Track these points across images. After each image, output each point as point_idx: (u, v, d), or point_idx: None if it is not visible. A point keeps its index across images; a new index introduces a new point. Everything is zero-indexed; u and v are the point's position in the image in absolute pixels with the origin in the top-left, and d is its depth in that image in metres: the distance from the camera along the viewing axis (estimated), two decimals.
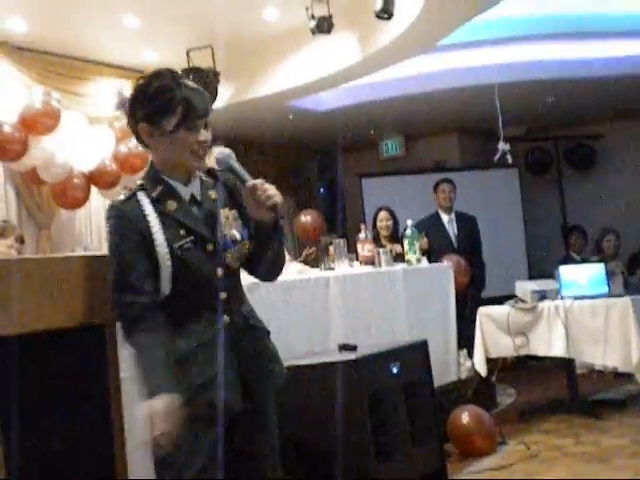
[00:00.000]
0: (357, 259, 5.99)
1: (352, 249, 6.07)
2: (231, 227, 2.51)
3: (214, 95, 8.19)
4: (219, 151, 2.50)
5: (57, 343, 2.44)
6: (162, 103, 2.39)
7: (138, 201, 2.40)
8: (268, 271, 2.66)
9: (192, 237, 2.41)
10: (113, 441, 2.59)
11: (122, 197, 2.42)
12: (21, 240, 5.40)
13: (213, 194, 2.53)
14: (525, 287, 6.33)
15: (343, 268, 5.47)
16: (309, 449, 3.67)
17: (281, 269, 2.71)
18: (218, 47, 8.09)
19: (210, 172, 2.57)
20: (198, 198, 2.50)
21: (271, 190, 2.42)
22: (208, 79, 8.08)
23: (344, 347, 3.93)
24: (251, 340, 2.59)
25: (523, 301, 6.24)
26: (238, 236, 2.52)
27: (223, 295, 2.47)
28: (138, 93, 2.45)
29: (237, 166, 2.49)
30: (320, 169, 12.34)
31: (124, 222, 2.37)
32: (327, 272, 5.27)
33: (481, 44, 8.69)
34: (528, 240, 11.30)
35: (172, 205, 2.42)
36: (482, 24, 7.82)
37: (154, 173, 2.47)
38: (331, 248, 7.18)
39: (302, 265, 5.64)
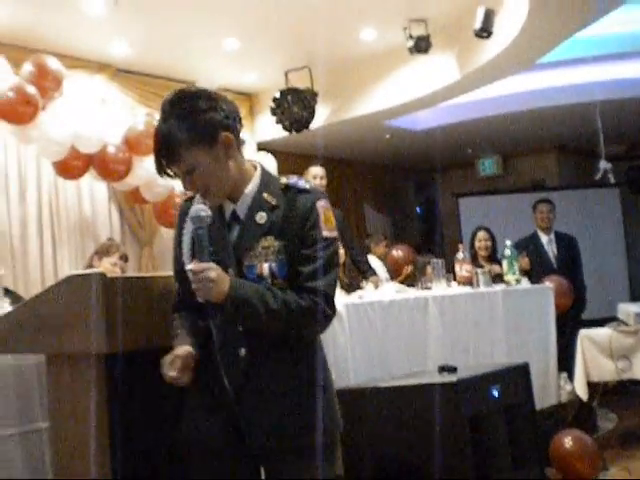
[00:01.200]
0: (455, 279, 5.94)
1: (449, 269, 6.02)
2: (266, 259, 2.26)
3: (312, 115, 8.27)
4: (196, 209, 2.25)
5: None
6: (240, 122, 2.35)
7: (192, 203, 2.36)
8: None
9: (215, 257, 2.21)
10: None
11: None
12: (125, 258, 5.51)
13: (263, 217, 2.31)
14: (628, 309, 6.18)
15: (441, 288, 5.43)
16: (406, 471, 3.63)
17: (307, 324, 2.31)
18: (316, 68, 8.18)
19: (286, 188, 2.34)
20: (241, 217, 2.33)
21: (199, 282, 2.15)
22: (306, 99, 8.17)
23: (444, 369, 3.88)
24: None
25: (626, 324, 6.09)
26: (266, 271, 2.25)
27: (239, 328, 2.29)
28: (229, 105, 2.31)
29: (201, 233, 2.21)
30: (417, 188, 12.31)
31: (179, 218, 2.43)
32: (426, 292, 5.24)
33: (582, 61, 8.56)
34: (630, 261, 11.04)
35: (210, 219, 2.24)
36: (583, 41, 7.70)
37: None
38: (428, 268, 7.15)
39: (400, 285, 5.63)
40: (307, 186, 2.34)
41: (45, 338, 2.51)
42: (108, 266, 5.23)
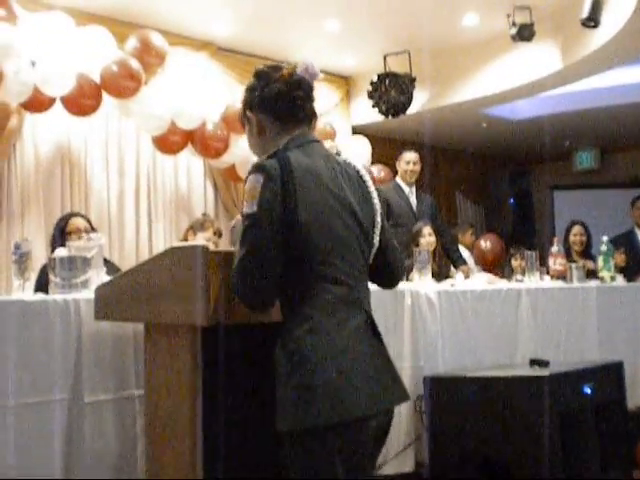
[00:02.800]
0: (547, 273, 5.84)
1: (542, 262, 5.92)
2: None
3: (409, 100, 8.22)
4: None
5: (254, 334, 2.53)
6: (286, 104, 2.42)
7: None
8: None
9: None
10: None
11: None
12: (219, 234, 5.57)
13: None
14: None
15: (533, 281, 5.35)
16: (492, 464, 3.60)
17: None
18: (415, 52, 8.12)
19: None
20: None
21: None
22: (404, 84, 8.12)
23: (535, 362, 3.83)
24: None
25: None
26: None
27: None
28: (276, 87, 2.44)
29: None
30: (511, 179, 12.13)
31: None
32: (519, 284, 5.16)
33: None
34: None
35: None
36: None
37: None
38: (513, 261, 7.07)
39: (491, 275, 5.57)
40: (254, 161, 2.36)
41: (145, 307, 2.55)
42: (202, 241, 5.29)
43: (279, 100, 2.40)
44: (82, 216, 4.94)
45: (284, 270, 2.21)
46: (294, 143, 2.35)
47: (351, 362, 2.20)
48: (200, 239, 5.36)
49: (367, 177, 2.44)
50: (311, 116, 2.45)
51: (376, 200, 2.41)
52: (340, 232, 2.27)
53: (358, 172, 2.43)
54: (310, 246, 2.20)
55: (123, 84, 6.28)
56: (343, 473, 2.17)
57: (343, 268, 2.26)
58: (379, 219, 2.41)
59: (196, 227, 5.57)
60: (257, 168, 2.24)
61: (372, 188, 2.42)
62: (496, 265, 7.82)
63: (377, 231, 2.40)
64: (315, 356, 2.16)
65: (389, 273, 2.53)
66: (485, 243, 8.29)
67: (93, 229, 4.70)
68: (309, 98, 2.44)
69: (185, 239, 5.57)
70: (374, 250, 2.39)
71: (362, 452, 2.26)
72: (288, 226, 2.18)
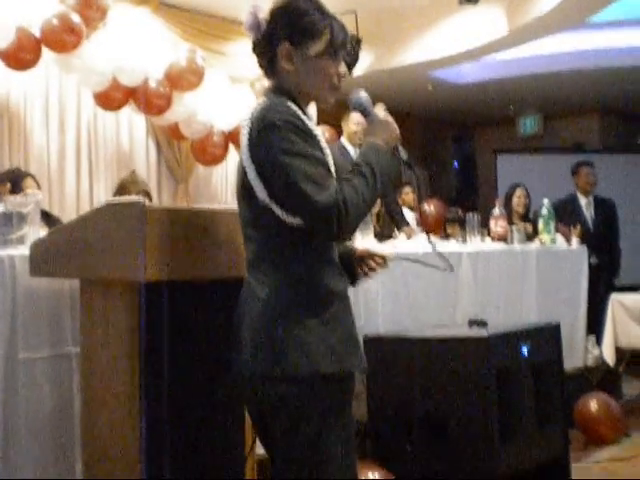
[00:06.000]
0: (489, 235, 5.89)
1: (484, 224, 5.97)
2: None
3: (355, 61, 8.17)
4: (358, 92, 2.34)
5: (200, 294, 2.50)
6: (311, 24, 2.19)
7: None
8: None
9: None
10: None
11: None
12: (147, 195, 5.33)
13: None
14: None
15: (475, 244, 5.39)
16: (430, 422, 3.64)
17: None
18: (362, 13, 8.05)
19: None
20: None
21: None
22: (350, 45, 8.06)
23: (474, 323, 3.87)
24: None
25: None
26: None
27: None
28: (282, 10, 2.21)
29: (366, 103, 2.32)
30: (455, 143, 12.20)
31: None
32: (460, 247, 5.20)
33: (632, 24, 8.38)
34: None
35: None
36: (635, 3, 7.54)
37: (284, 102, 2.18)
38: (448, 228, 7.11)
39: (433, 237, 5.60)
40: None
41: (80, 263, 2.51)
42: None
43: None
44: (32, 177, 4.84)
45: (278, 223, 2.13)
46: None
47: (350, 318, 2.21)
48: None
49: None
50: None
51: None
52: None
53: None
54: None
55: (64, 38, 6.12)
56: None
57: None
58: None
59: (121, 190, 5.37)
60: None
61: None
62: (439, 229, 7.85)
63: None
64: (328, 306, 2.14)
65: None
66: (429, 207, 8.31)
67: (39, 189, 4.62)
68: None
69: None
70: None
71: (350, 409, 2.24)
72: None
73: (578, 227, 6.47)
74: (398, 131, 2.28)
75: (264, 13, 2.19)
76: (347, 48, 2.28)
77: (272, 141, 2.07)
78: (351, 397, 2.21)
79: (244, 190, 2.16)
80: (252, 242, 2.19)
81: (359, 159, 2.17)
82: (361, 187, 2.09)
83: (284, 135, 2.07)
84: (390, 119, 2.28)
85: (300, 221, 2.09)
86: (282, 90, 2.22)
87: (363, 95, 2.33)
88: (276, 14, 2.21)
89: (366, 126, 2.31)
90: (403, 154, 2.32)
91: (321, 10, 2.23)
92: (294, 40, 2.19)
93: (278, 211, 2.10)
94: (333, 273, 2.19)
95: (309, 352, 2.07)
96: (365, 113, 2.32)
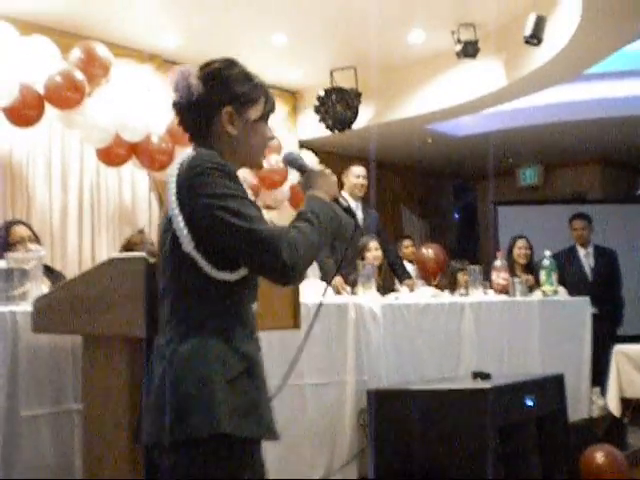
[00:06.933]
0: (491, 287, 5.90)
1: (485, 276, 5.97)
2: None
3: (355, 115, 8.26)
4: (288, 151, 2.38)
5: None
6: (251, 89, 2.22)
7: None
8: None
9: None
10: None
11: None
12: (153, 255, 5.31)
13: None
14: None
15: (477, 295, 5.39)
16: (434, 476, 3.61)
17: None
18: (362, 68, 8.16)
19: None
20: None
21: None
22: (350, 99, 8.16)
23: (478, 375, 3.86)
24: None
25: None
26: None
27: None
28: (220, 76, 2.21)
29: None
30: (456, 194, 12.26)
31: None
32: (462, 298, 5.20)
33: (630, 74, 8.47)
34: None
35: None
36: (632, 54, 7.63)
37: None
38: (460, 275, 7.10)
39: (435, 289, 5.60)
40: None
41: (83, 319, 2.51)
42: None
43: None
44: (23, 223, 4.82)
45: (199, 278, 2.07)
46: None
47: (258, 382, 2.14)
48: None
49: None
50: None
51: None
52: None
53: None
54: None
55: (67, 95, 6.20)
56: None
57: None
58: None
59: (128, 248, 5.37)
60: None
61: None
62: (438, 274, 7.85)
63: None
64: (241, 367, 2.07)
65: None
66: (427, 251, 8.32)
67: (36, 237, 4.61)
68: None
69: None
70: None
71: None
72: None
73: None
74: (336, 181, 2.29)
75: (194, 77, 2.18)
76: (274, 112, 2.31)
77: (204, 188, 2.04)
78: (254, 464, 2.12)
79: (167, 242, 2.12)
80: (166, 297, 2.13)
81: (301, 209, 2.16)
82: (307, 230, 2.07)
83: (215, 180, 2.05)
84: (328, 171, 2.29)
85: (225, 275, 2.06)
86: (214, 150, 2.19)
87: (295, 152, 2.39)
88: (213, 79, 2.21)
89: (302, 181, 2.29)
90: (344, 202, 2.30)
91: (253, 75, 2.27)
92: (236, 105, 2.20)
93: (203, 263, 2.04)
94: (245, 334, 2.12)
95: (213, 414, 1.99)
96: (301, 168, 2.32)
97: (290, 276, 2.05)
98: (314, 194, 2.21)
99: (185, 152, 2.16)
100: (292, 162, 2.37)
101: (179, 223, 2.06)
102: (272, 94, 2.31)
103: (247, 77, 2.24)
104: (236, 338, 2.08)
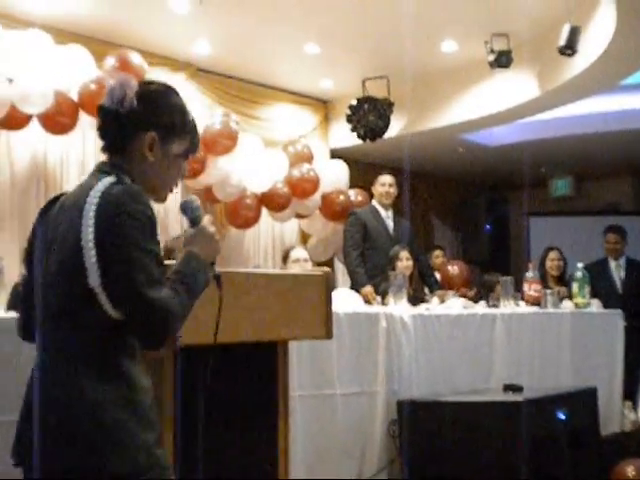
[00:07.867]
0: (522, 298, 5.86)
1: (517, 288, 5.94)
2: None
3: (387, 125, 8.25)
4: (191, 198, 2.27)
5: (232, 357, 2.50)
6: (181, 124, 2.20)
7: None
8: None
9: None
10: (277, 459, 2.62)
11: None
12: None
13: None
14: None
15: (509, 307, 5.36)
16: None
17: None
18: (394, 77, 8.15)
19: None
20: None
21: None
22: (382, 109, 8.15)
23: (509, 387, 3.84)
24: None
25: None
26: None
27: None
28: (157, 99, 2.19)
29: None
30: (487, 205, 12.18)
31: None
32: (493, 309, 5.18)
33: None
34: None
35: None
36: None
37: None
38: (497, 286, 7.07)
39: (466, 300, 5.57)
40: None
41: None
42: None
43: None
44: None
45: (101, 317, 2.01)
46: None
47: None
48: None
49: None
50: None
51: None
52: None
53: None
54: None
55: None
56: None
57: None
58: None
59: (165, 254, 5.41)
60: None
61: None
62: (461, 290, 7.85)
63: None
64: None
65: None
66: (452, 268, 8.35)
67: None
68: None
69: None
70: None
71: None
72: None
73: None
74: (219, 248, 2.22)
75: (132, 90, 2.13)
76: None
77: (126, 232, 1.98)
78: None
79: (71, 269, 2.01)
80: (65, 329, 2.04)
81: (181, 267, 2.08)
82: (184, 298, 2.03)
83: (138, 227, 2.00)
84: (215, 234, 2.22)
85: (122, 315, 1.99)
86: (129, 172, 2.14)
87: (194, 201, 2.25)
88: (149, 100, 2.17)
89: (188, 235, 2.19)
90: (216, 269, 2.22)
91: (188, 112, 2.24)
92: (161, 133, 2.15)
93: (104, 300, 1.98)
94: (142, 370, 2.09)
95: (123, 449, 1.95)
96: (193, 222, 2.23)
97: (158, 348, 2.04)
98: (193, 252, 2.13)
99: (107, 179, 2.06)
100: (187, 211, 2.24)
101: (90, 256, 1.98)
102: (199, 137, 2.28)
103: (182, 110, 2.21)
104: (138, 374, 2.05)
